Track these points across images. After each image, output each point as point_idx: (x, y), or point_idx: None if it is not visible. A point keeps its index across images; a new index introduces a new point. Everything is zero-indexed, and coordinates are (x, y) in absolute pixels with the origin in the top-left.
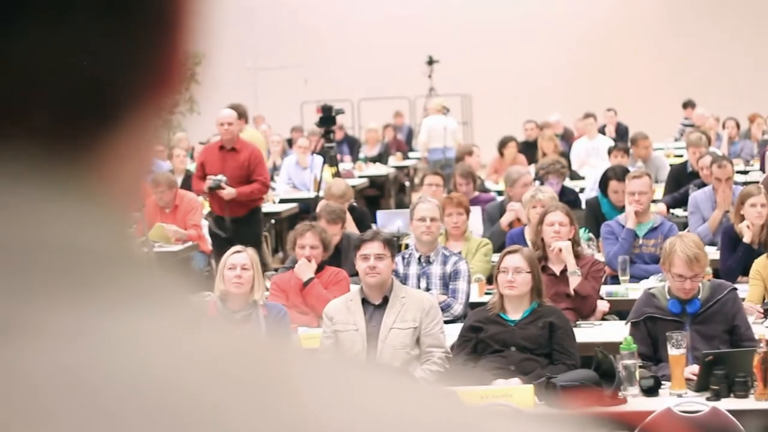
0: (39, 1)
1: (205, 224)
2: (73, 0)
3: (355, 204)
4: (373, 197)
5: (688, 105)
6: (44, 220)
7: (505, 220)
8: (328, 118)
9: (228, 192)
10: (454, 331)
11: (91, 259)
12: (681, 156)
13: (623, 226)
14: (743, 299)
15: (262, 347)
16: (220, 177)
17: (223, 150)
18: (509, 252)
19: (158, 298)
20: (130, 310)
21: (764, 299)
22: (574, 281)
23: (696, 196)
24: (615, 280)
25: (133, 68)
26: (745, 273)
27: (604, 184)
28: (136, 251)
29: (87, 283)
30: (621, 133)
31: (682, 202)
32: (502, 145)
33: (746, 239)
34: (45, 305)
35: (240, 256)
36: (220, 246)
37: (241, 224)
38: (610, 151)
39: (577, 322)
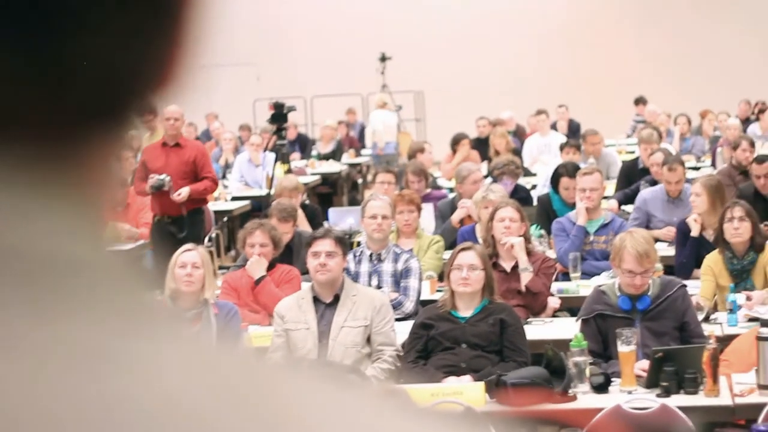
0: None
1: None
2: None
3: (307, 201)
4: (326, 194)
5: (640, 101)
6: (25, 226)
7: (456, 217)
8: (279, 115)
9: (183, 195)
10: (405, 329)
11: (74, 269)
12: (633, 152)
13: (574, 223)
14: (693, 295)
15: (259, 371)
16: (163, 177)
17: (167, 147)
18: (463, 249)
19: (148, 316)
20: (125, 328)
21: (715, 294)
22: (525, 278)
23: (644, 194)
24: (566, 277)
25: (141, 69)
26: (699, 266)
27: (555, 180)
28: (111, 259)
29: (69, 295)
30: (573, 129)
31: (633, 199)
32: (455, 142)
33: (694, 233)
34: (21, 314)
35: (191, 254)
36: (162, 246)
37: (184, 223)
38: (562, 148)
39: (528, 319)
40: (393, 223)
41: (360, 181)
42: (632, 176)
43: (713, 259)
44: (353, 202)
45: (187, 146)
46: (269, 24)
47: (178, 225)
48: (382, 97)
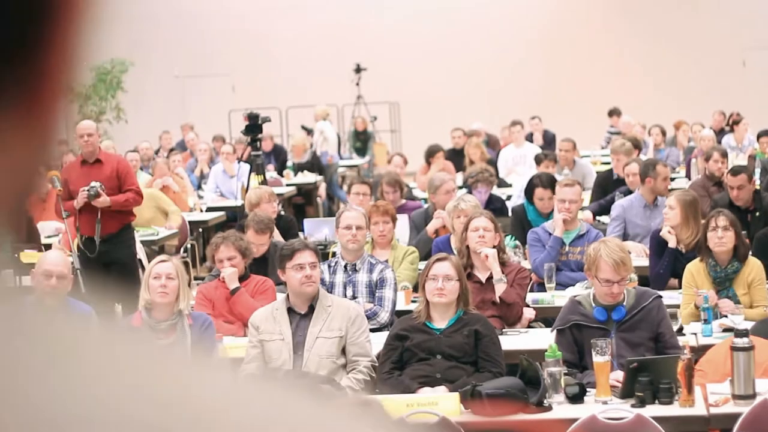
0: None
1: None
2: None
3: (282, 212)
4: (301, 205)
5: (614, 113)
6: None
7: (431, 228)
8: (254, 125)
9: (102, 200)
10: (380, 340)
11: None
12: (608, 164)
13: (550, 234)
14: (669, 306)
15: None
16: (94, 184)
17: (87, 164)
18: (438, 259)
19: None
20: None
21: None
22: (500, 289)
23: (621, 202)
24: (541, 287)
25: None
26: (675, 276)
27: (530, 191)
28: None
29: None
30: (548, 140)
31: (608, 210)
32: (430, 154)
33: (671, 244)
34: None
35: (165, 265)
36: (90, 268)
37: (113, 243)
38: (538, 161)
39: (503, 330)
40: (368, 234)
41: None
42: (607, 187)
43: (695, 267)
44: (330, 213)
45: (107, 161)
46: (244, 35)
47: (93, 247)
48: (325, 109)
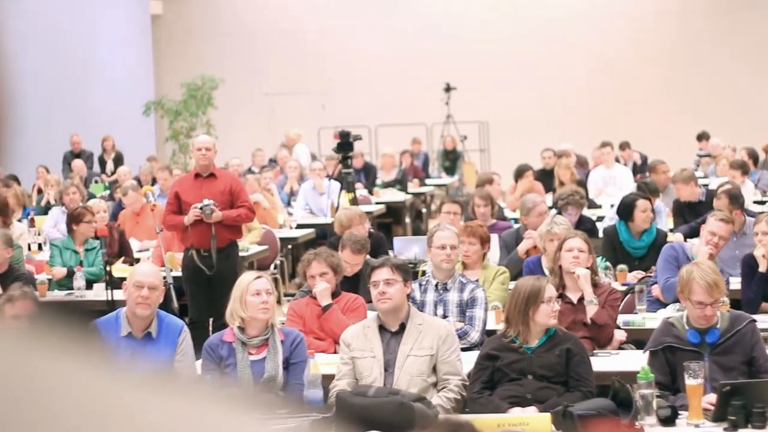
0: None
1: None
2: None
3: (371, 230)
4: (388, 224)
5: (703, 137)
6: None
7: (522, 248)
8: (345, 143)
9: (215, 215)
10: (470, 359)
11: None
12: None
13: (688, 257)
14: (762, 330)
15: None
16: (208, 202)
17: (200, 178)
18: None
19: None
20: None
21: None
22: (591, 310)
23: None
24: (656, 305)
25: None
26: (765, 301)
27: (628, 209)
28: None
29: None
30: (642, 161)
31: (698, 232)
32: (519, 173)
33: (762, 268)
34: None
35: (262, 281)
36: (197, 283)
37: (219, 258)
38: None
39: (594, 351)
40: (459, 254)
41: (424, 210)
42: (697, 209)
43: None
44: (416, 231)
45: (221, 177)
46: (334, 53)
47: (209, 260)
48: (297, 132)
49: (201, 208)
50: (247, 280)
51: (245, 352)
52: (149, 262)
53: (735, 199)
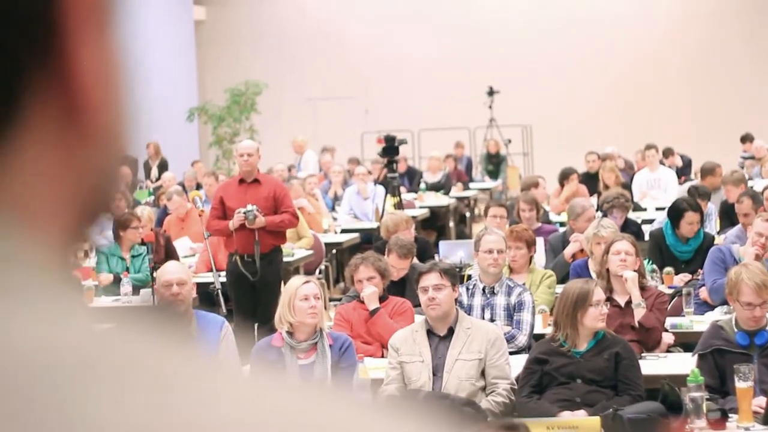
0: None
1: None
2: None
3: (417, 235)
4: (439, 226)
5: (746, 139)
6: None
7: (568, 252)
8: (391, 148)
9: (259, 221)
10: (518, 362)
11: None
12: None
13: (735, 259)
14: None
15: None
16: (251, 207)
17: (244, 183)
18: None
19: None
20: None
21: None
22: (639, 313)
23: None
24: (704, 308)
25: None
26: None
27: (677, 214)
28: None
29: None
30: (685, 164)
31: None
32: (564, 177)
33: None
34: None
35: (310, 286)
36: (241, 288)
37: (263, 263)
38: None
39: (642, 354)
40: (506, 257)
41: (467, 214)
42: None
43: None
44: (460, 235)
45: (265, 182)
46: (377, 57)
47: (253, 266)
48: (304, 138)
49: (244, 214)
50: (295, 284)
51: (294, 357)
52: (173, 261)
53: (756, 198)
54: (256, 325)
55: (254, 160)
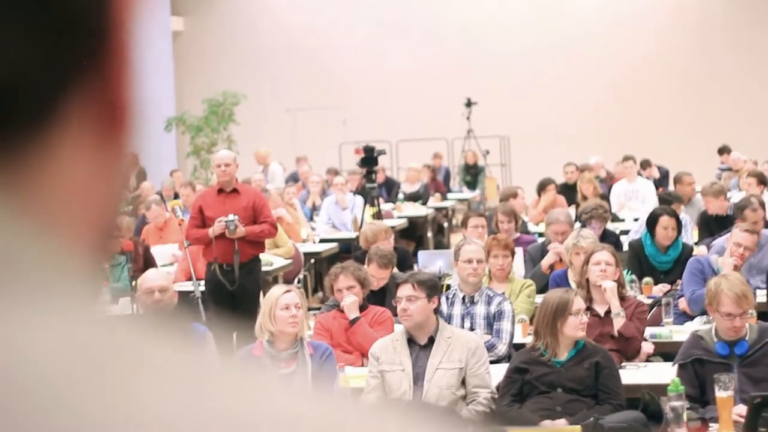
0: None
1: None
2: None
3: (396, 245)
4: (410, 238)
5: (724, 151)
6: None
7: (546, 262)
8: (369, 158)
9: (239, 231)
10: (498, 372)
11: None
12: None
13: (714, 270)
14: None
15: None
16: (232, 217)
17: (223, 193)
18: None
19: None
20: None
21: None
22: (618, 323)
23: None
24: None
25: (54, 78)
26: None
27: (653, 221)
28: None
29: None
30: (663, 175)
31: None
32: (541, 187)
33: None
34: None
35: (291, 295)
36: (220, 297)
37: (242, 272)
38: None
39: (623, 364)
40: (486, 267)
41: (446, 224)
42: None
43: None
44: (438, 245)
45: (243, 192)
46: (355, 70)
47: (232, 275)
48: (267, 150)
49: (226, 223)
50: (276, 294)
51: (275, 366)
52: (154, 269)
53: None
54: (234, 335)
55: (231, 170)
